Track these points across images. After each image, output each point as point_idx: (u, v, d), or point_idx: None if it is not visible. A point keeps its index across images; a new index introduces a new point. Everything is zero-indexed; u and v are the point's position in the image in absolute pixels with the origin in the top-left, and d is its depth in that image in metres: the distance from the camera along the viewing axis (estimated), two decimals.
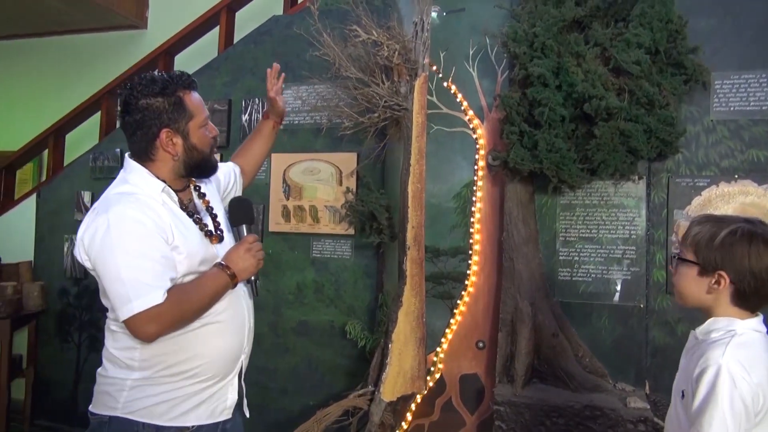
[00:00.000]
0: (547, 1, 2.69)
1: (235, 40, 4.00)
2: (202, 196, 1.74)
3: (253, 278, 1.71)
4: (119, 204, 1.50)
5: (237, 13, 4.20)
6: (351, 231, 3.26)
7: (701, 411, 1.25)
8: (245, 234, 1.73)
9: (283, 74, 2.13)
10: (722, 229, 1.34)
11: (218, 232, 1.70)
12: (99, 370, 1.64)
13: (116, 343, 1.58)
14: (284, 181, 3.45)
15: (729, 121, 2.69)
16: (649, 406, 2.48)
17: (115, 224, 1.46)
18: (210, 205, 1.74)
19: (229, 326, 1.65)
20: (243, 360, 1.73)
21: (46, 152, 4.67)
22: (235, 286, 1.63)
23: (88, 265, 1.53)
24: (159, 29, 5.13)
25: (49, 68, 5.54)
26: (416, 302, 2.64)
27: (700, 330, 1.40)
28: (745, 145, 2.66)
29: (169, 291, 1.47)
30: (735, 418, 1.23)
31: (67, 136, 4.62)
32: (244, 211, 1.78)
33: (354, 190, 3.26)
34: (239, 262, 1.62)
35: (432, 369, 2.91)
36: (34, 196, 4.30)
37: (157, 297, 1.45)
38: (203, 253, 1.61)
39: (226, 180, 1.96)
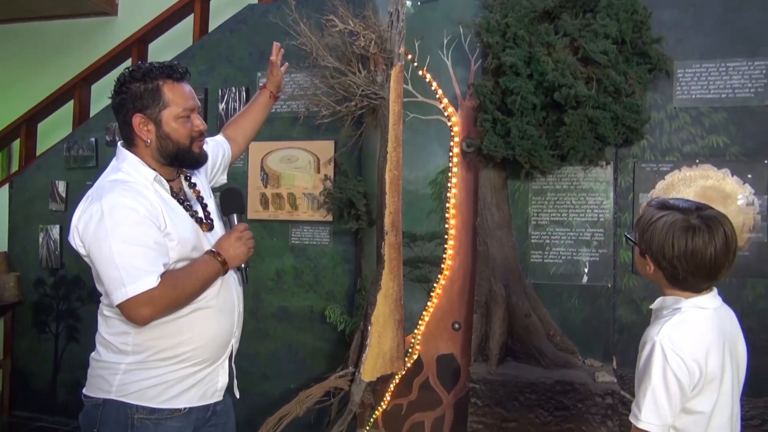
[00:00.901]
0: None
1: (210, 29, 3.99)
2: (192, 186, 1.78)
3: (243, 266, 1.76)
4: (112, 191, 1.54)
5: (211, 1, 4.18)
6: (329, 218, 3.32)
7: (639, 381, 1.36)
8: (236, 222, 1.78)
9: (282, 50, 2.24)
10: (656, 215, 1.42)
11: (209, 221, 1.75)
12: (92, 354, 1.68)
13: (110, 329, 1.63)
14: (262, 169, 3.49)
15: (691, 109, 2.82)
16: (616, 380, 2.61)
17: (109, 211, 1.50)
18: (201, 194, 1.78)
19: (220, 311, 1.71)
20: (233, 344, 1.79)
21: (17, 142, 4.60)
22: (225, 272, 1.69)
23: (82, 251, 1.57)
24: (130, 16, 5.08)
25: (18, 56, 5.44)
26: (394, 286, 2.72)
27: (652, 307, 1.50)
28: (705, 131, 2.80)
29: (162, 276, 1.52)
30: (667, 392, 1.31)
31: (39, 125, 4.56)
32: (235, 200, 1.84)
33: (332, 177, 3.32)
34: (230, 250, 1.68)
35: (410, 350, 3.00)
36: (6, 187, 4.25)
37: (151, 281, 1.49)
38: (194, 241, 1.66)
39: (214, 157, 1.99)
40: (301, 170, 3.42)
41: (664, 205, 1.45)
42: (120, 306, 1.51)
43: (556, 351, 2.79)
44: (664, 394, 1.31)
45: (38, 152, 4.47)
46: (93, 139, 3.92)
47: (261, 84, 2.22)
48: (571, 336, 2.85)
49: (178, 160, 1.68)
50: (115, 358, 1.61)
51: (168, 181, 1.68)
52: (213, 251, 1.66)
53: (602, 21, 2.61)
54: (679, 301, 1.42)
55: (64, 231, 3.97)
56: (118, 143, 1.69)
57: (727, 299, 1.47)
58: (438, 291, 3.03)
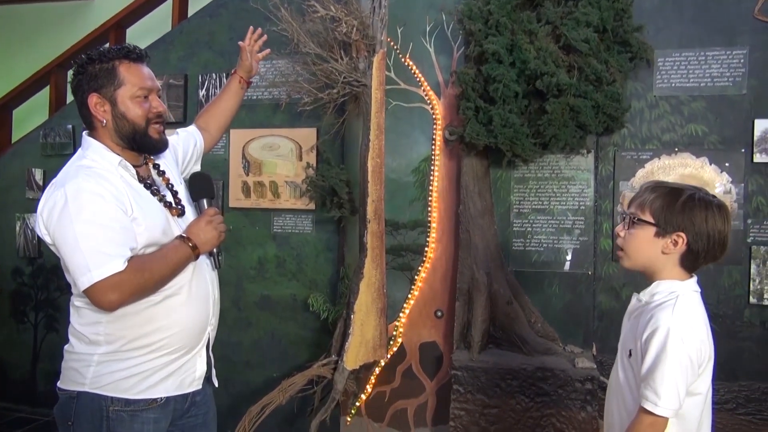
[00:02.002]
0: None
1: (190, 14, 3.92)
2: (161, 173, 1.75)
3: (215, 251, 1.74)
4: (76, 177, 1.52)
5: None
6: (311, 206, 3.31)
7: (653, 368, 1.36)
8: (206, 207, 1.75)
9: (265, 36, 2.22)
10: (681, 194, 1.44)
11: (179, 206, 1.73)
12: (65, 346, 1.65)
13: (81, 319, 1.60)
14: (243, 156, 3.45)
15: (670, 97, 2.84)
16: (595, 366, 2.65)
17: (73, 196, 1.48)
18: (170, 182, 1.76)
19: (193, 298, 1.68)
20: (210, 331, 1.76)
21: None
22: (197, 258, 1.66)
23: (48, 239, 1.54)
24: (106, 1, 4.97)
25: None
26: (377, 274, 2.73)
27: (644, 293, 1.50)
28: (684, 119, 2.82)
29: (129, 260, 1.49)
30: (683, 373, 1.34)
31: (15, 112, 4.46)
32: (204, 185, 1.80)
33: (314, 165, 3.30)
34: (200, 234, 1.66)
35: (393, 338, 3.02)
36: None
37: (117, 265, 1.46)
38: (163, 225, 1.63)
39: (185, 147, 1.97)
40: (283, 158, 3.40)
41: (674, 185, 1.49)
42: (86, 292, 1.48)
43: (537, 338, 2.82)
44: (682, 378, 1.34)
45: (13, 139, 4.38)
46: (70, 126, 3.85)
47: (233, 70, 2.16)
48: (552, 323, 2.88)
49: (136, 143, 1.64)
50: (87, 350, 1.59)
51: (135, 167, 1.66)
52: (183, 236, 1.64)
53: (584, 9, 2.62)
54: (675, 285, 1.45)
55: None
56: (83, 132, 1.67)
57: (705, 286, 1.51)
58: (421, 279, 3.04)
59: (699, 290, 1.48)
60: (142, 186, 1.64)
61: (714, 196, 1.46)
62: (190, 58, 3.61)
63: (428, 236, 3.04)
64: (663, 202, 1.45)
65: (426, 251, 3.04)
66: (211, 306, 1.75)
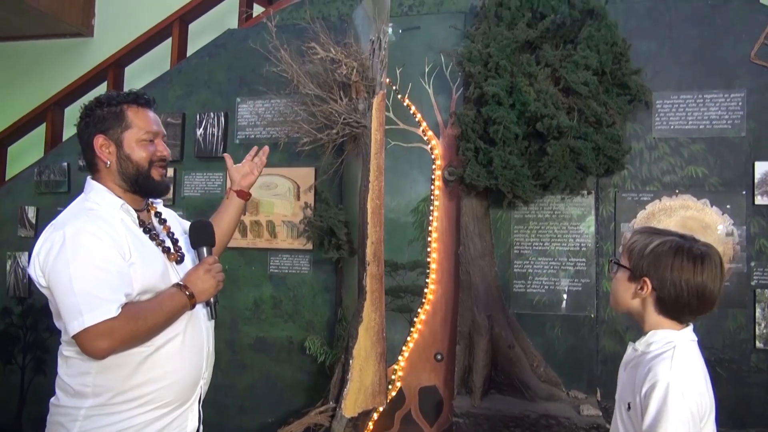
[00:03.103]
0: (500, 23, 2.78)
1: (189, 53, 3.94)
2: (163, 221, 1.73)
3: (211, 300, 1.68)
4: (76, 219, 1.50)
5: (190, 25, 4.14)
6: (309, 246, 3.26)
7: (655, 425, 1.30)
8: (204, 255, 1.70)
9: (266, 149, 2.10)
10: (655, 239, 1.41)
11: (178, 253, 1.69)
12: (51, 399, 1.59)
13: (69, 369, 1.54)
14: None
15: (669, 139, 2.84)
16: (601, 413, 2.58)
17: (71, 237, 1.45)
18: (171, 230, 1.73)
19: (187, 349, 1.61)
20: (202, 385, 1.69)
21: None
22: (193, 307, 1.61)
23: (42, 281, 1.49)
24: (106, 38, 5.00)
25: None
26: (376, 317, 2.67)
27: (640, 342, 1.45)
28: (684, 161, 2.82)
29: (123, 306, 1.44)
30: (685, 428, 1.29)
31: (9, 149, 4.43)
32: (204, 233, 1.75)
33: (312, 205, 3.26)
34: (198, 283, 1.61)
35: (391, 382, 2.94)
36: None
37: (110, 311, 1.41)
38: (161, 271, 1.59)
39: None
40: (280, 197, 3.36)
41: (659, 231, 1.45)
42: (76, 337, 1.42)
43: (540, 383, 2.75)
44: (683, 431, 1.29)
45: (7, 176, 4.33)
46: (65, 164, 3.81)
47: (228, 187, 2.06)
48: (555, 367, 2.82)
49: (139, 185, 1.63)
50: (73, 402, 1.52)
51: (136, 211, 1.64)
52: (180, 284, 1.60)
53: (583, 52, 2.64)
54: (671, 335, 1.40)
55: None
56: (87, 177, 1.66)
57: (709, 330, 1.47)
58: (420, 321, 2.98)
59: (696, 339, 1.43)
60: (141, 231, 1.62)
61: (699, 246, 1.39)
62: (188, 97, 3.60)
63: (428, 277, 2.99)
64: (637, 246, 1.43)
65: (425, 293, 2.99)
66: (204, 358, 1.69)
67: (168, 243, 1.69)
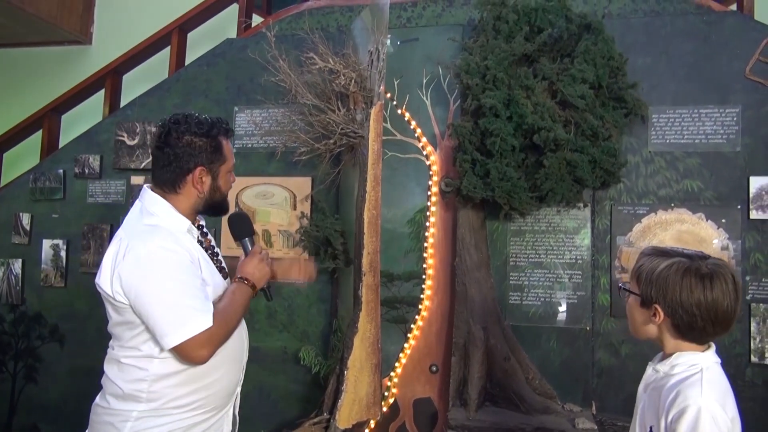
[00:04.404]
0: (497, 36, 2.79)
1: (187, 62, 3.95)
2: (204, 235, 1.79)
3: (266, 285, 1.78)
4: (155, 236, 1.56)
5: (189, 34, 4.15)
6: (305, 256, 3.25)
7: None
8: (249, 247, 1.80)
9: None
10: (661, 263, 1.37)
11: (223, 270, 1.78)
12: (98, 401, 1.65)
13: (124, 375, 1.59)
14: (237, 204, 3.41)
15: (665, 153, 2.86)
16: (596, 427, 2.56)
17: (157, 255, 1.53)
18: (212, 244, 1.81)
19: (232, 358, 1.72)
20: (238, 391, 1.80)
21: None
22: (255, 295, 1.73)
23: (120, 298, 1.54)
24: (104, 46, 5.01)
25: None
26: (371, 328, 2.65)
27: (663, 363, 1.40)
28: (680, 175, 2.84)
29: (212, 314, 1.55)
30: None
31: (5, 154, 4.41)
32: (245, 225, 1.85)
33: (308, 214, 3.26)
34: (255, 272, 1.72)
35: (386, 393, 2.92)
36: None
37: (208, 320, 1.52)
38: (222, 287, 1.70)
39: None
40: (276, 207, 3.36)
41: (666, 252, 1.40)
42: (177, 349, 1.51)
43: (535, 395, 2.74)
44: None
45: (2, 182, 4.31)
46: (61, 171, 3.80)
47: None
48: (550, 379, 2.81)
49: (215, 208, 1.74)
50: (127, 406, 1.58)
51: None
52: (240, 277, 1.70)
53: (580, 66, 2.65)
54: (696, 358, 1.36)
55: (27, 265, 3.81)
56: (144, 185, 1.71)
57: None
58: (415, 332, 2.97)
59: (719, 361, 1.38)
60: (203, 249, 1.71)
61: (709, 264, 1.34)
62: (186, 106, 3.60)
63: (423, 288, 2.99)
64: (644, 271, 1.39)
65: (421, 303, 2.98)
66: (242, 367, 1.80)
67: (223, 263, 1.79)
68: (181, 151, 1.65)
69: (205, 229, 1.80)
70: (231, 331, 1.62)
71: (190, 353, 1.52)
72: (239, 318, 1.66)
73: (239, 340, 1.75)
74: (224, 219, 1.90)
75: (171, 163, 1.65)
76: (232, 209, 3.33)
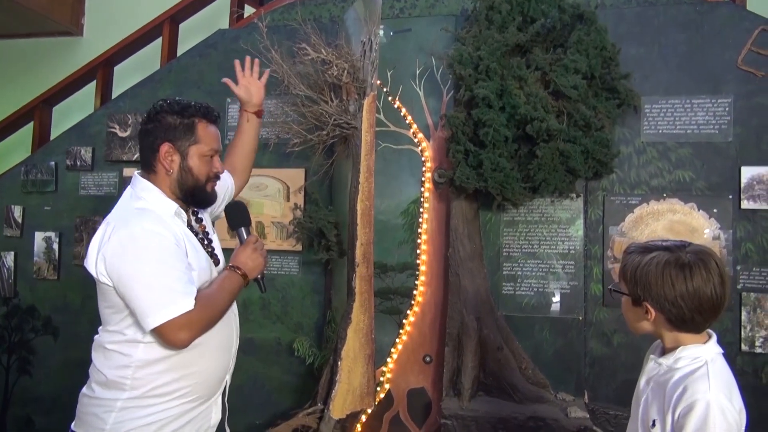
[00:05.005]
0: (490, 26, 2.79)
1: (179, 53, 3.92)
2: (199, 221, 1.78)
3: (259, 276, 1.77)
4: (141, 218, 1.57)
5: (181, 25, 4.12)
6: (298, 247, 3.25)
7: None
8: (245, 236, 1.79)
9: (257, 61, 2.17)
10: (643, 259, 1.37)
11: (215, 256, 1.77)
12: (84, 391, 1.65)
13: (109, 362, 1.59)
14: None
15: (658, 143, 2.87)
16: (588, 416, 2.59)
17: (141, 236, 1.52)
18: (206, 230, 1.79)
19: (220, 347, 1.70)
20: (227, 379, 1.78)
21: None
22: (246, 285, 1.71)
23: (104, 279, 1.54)
24: (95, 37, 4.98)
25: None
26: (365, 319, 2.66)
27: (666, 358, 1.39)
28: (672, 165, 2.84)
29: (196, 298, 1.53)
30: None
31: None
32: (241, 214, 1.85)
33: (302, 206, 3.26)
34: (248, 262, 1.70)
35: (380, 384, 2.93)
36: None
37: (189, 303, 1.50)
38: (209, 273, 1.68)
39: (220, 193, 1.96)
40: (270, 198, 3.35)
41: (646, 248, 1.40)
42: (158, 329, 1.50)
43: (528, 385, 2.76)
44: None
45: None
46: (53, 163, 3.78)
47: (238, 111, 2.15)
48: (543, 369, 2.83)
49: (191, 196, 1.71)
50: (110, 395, 1.58)
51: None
52: (232, 266, 1.69)
53: (572, 56, 2.65)
54: (699, 351, 1.35)
55: (20, 258, 3.80)
56: (135, 172, 1.71)
57: None
58: (409, 323, 2.98)
59: (722, 351, 1.38)
60: (191, 234, 1.70)
61: (688, 253, 1.34)
62: (178, 97, 3.58)
63: (417, 279, 3.00)
64: (629, 270, 1.40)
65: (415, 294, 2.99)
66: (232, 355, 1.78)
67: (217, 249, 1.78)
68: (152, 126, 1.66)
69: (200, 215, 1.79)
70: (215, 318, 1.60)
71: (170, 336, 1.50)
72: (225, 305, 1.64)
73: (228, 328, 1.73)
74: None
75: (145, 139, 1.68)
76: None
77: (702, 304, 1.32)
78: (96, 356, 1.64)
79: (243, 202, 1.92)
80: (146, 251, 1.51)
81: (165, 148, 1.64)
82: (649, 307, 1.36)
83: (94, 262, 1.55)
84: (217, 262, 1.76)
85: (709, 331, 1.40)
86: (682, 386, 1.31)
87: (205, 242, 1.74)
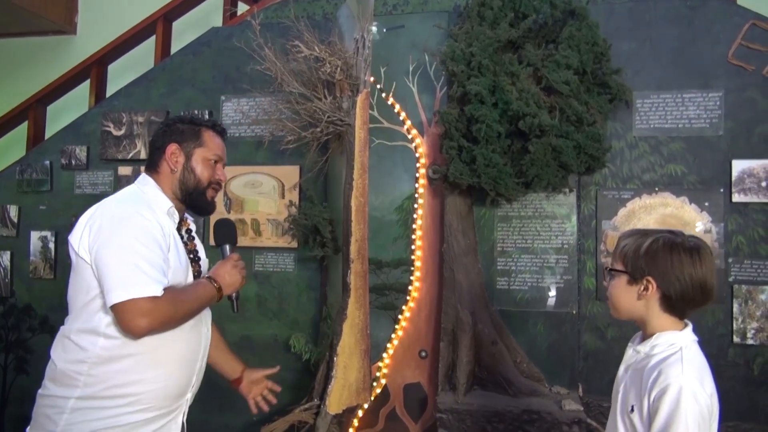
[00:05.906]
0: (483, 22, 2.80)
1: (173, 51, 3.92)
2: (192, 238, 1.81)
3: (233, 295, 1.78)
4: (131, 202, 1.62)
5: (174, 23, 4.12)
6: (294, 244, 3.27)
7: (666, 428, 1.29)
8: (228, 252, 1.82)
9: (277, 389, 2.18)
10: (647, 239, 1.42)
11: (199, 266, 1.79)
12: (39, 390, 1.62)
13: (65, 354, 1.58)
14: (225, 194, 3.41)
15: (649, 138, 2.89)
16: (582, 408, 2.61)
17: (129, 217, 1.56)
18: (196, 248, 1.82)
19: (182, 357, 1.66)
20: (188, 398, 1.73)
21: None
22: (219, 300, 1.71)
23: (83, 254, 1.55)
24: (89, 36, 4.97)
25: None
26: (360, 315, 2.68)
27: (643, 344, 1.44)
28: (663, 159, 2.87)
29: (165, 289, 1.53)
30: (698, 430, 1.29)
31: None
32: (228, 231, 1.88)
33: (297, 203, 3.27)
34: (226, 277, 1.71)
35: (376, 379, 2.95)
36: None
37: (157, 289, 1.50)
38: (184, 275, 1.67)
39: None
40: (265, 195, 3.36)
41: (645, 232, 1.46)
42: (118, 307, 1.48)
43: (522, 379, 2.78)
44: None
45: None
46: (47, 162, 3.78)
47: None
48: (537, 363, 2.85)
49: (191, 199, 1.75)
50: (62, 392, 1.55)
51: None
52: (210, 277, 1.70)
53: (564, 52, 2.67)
54: (675, 337, 1.40)
55: (16, 257, 3.80)
56: (142, 171, 1.79)
57: None
58: (405, 318, 3.00)
59: (697, 339, 1.43)
60: (178, 235, 1.72)
61: (690, 239, 1.41)
62: (172, 95, 3.59)
63: (412, 275, 3.01)
64: (631, 249, 1.44)
65: (410, 290, 3.01)
66: (195, 371, 1.73)
67: (201, 253, 1.82)
68: (162, 131, 1.77)
69: (193, 234, 1.83)
70: (177, 317, 1.57)
71: (129, 317, 1.47)
72: (191, 309, 1.61)
73: (195, 342, 1.70)
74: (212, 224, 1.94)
75: (155, 143, 1.77)
76: (218, 199, 3.36)
77: (706, 286, 1.39)
78: (55, 347, 1.63)
79: (232, 221, 1.98)
80: (130, 230, 1.54)
81: (172, 148, 1.73)
82: (651, 280, 1.40)
83: (79, 236, 1.57)
84: (197, 270, 1.76)
85: (686, 320, 1.45)
86: (657, 370, 1.36)
87: (188, 246, 1.76)
